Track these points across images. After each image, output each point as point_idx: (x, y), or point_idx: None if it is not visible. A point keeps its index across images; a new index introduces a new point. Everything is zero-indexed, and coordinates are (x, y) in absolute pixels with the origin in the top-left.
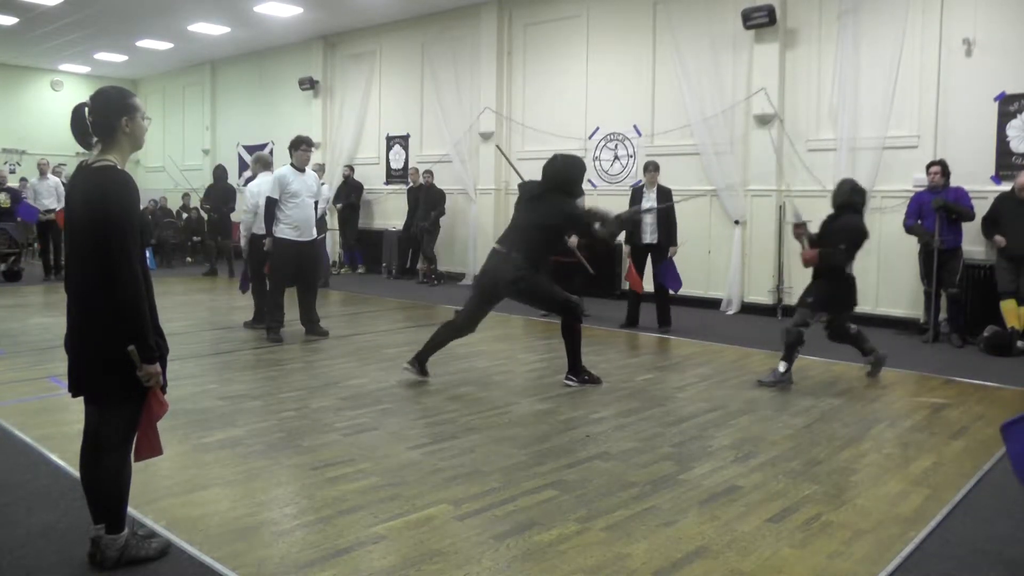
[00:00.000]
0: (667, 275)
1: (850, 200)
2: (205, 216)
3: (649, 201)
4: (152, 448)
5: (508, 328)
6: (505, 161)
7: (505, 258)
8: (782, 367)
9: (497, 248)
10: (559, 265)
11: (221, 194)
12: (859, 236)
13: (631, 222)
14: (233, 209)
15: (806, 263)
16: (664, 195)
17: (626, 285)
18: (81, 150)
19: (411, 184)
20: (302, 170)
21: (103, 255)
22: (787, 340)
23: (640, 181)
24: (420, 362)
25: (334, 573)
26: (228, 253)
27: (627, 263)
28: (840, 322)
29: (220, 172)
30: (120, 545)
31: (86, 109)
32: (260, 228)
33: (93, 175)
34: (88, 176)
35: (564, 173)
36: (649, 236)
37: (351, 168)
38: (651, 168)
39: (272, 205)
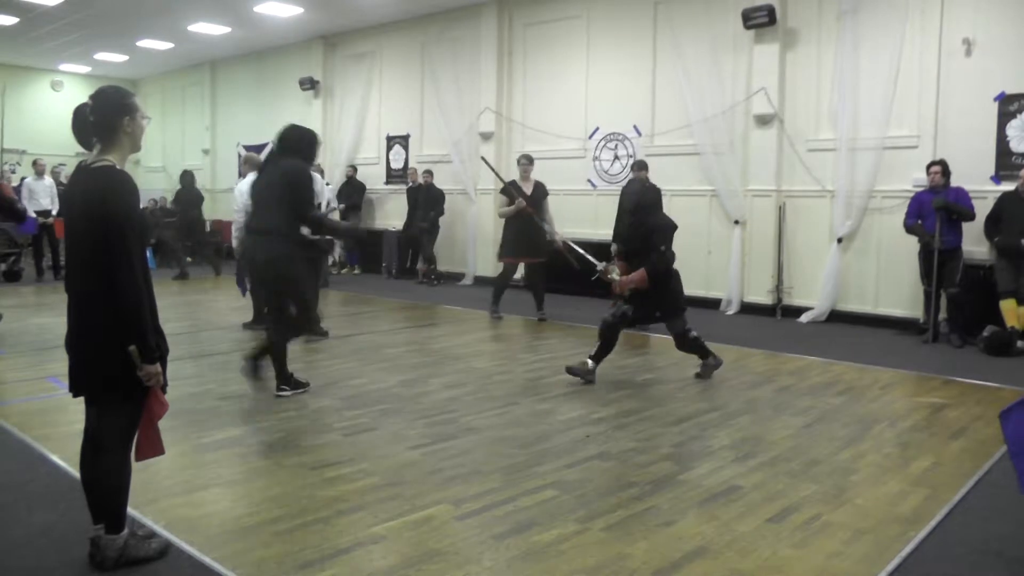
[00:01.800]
0: None
1: (645, 200)
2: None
3: None
4: (154, 448)
5: (508, 328)
6: (501, 163)
7: (264, 239)
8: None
9: (252, 227)
10: (552, 267)
11: (192, 198)
12: (671, 231)
13: (348, 233)
14: (201, 213)
15: (634, 285)
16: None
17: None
18: (81, 150)
19: (411, 184)
20: None
21: (103, 255)
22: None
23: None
24: (255, 361)
25: (334, 573)
26: (208, 251)
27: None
28: (682, 326)
29: (188, 178)
30: (120, 545)
31: (87, 109)
32: None
33: (93, 175)
34: (88, 176)
35: (293, 136)
36: None
37: (354, 168)
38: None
39: None
